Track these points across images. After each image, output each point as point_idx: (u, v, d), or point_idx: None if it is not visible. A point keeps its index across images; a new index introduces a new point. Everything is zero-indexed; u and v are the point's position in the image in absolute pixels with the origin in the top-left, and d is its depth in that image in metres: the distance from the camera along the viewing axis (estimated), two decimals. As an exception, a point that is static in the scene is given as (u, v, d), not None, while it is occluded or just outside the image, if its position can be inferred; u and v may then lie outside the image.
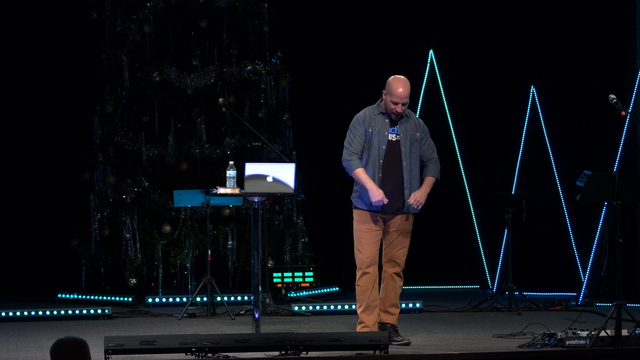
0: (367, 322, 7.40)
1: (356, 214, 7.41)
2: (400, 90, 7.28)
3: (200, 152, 11.34)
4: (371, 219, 7.35)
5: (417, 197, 7.35)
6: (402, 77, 7.35)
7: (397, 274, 7.46)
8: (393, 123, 7.39)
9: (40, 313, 9.46)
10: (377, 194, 7.20)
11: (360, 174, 7.29)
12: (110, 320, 9.46)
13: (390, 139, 7.36)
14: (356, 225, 7.40)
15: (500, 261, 12.52)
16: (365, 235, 7.36)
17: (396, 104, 7.30)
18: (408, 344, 7.35)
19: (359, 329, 7.44)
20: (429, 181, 7.50)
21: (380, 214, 7.34)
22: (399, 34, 12.68)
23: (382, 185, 7.29)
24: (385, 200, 7.21)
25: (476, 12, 12.57)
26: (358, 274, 7.40)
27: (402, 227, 7.42)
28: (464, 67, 12.75)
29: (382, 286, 7.47)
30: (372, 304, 7.40)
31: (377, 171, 7.31)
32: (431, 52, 13.08)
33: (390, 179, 7.33)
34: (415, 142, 7.43)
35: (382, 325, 7.46)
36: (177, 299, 10.68)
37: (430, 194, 12.94)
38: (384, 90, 7.38)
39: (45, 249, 11.91)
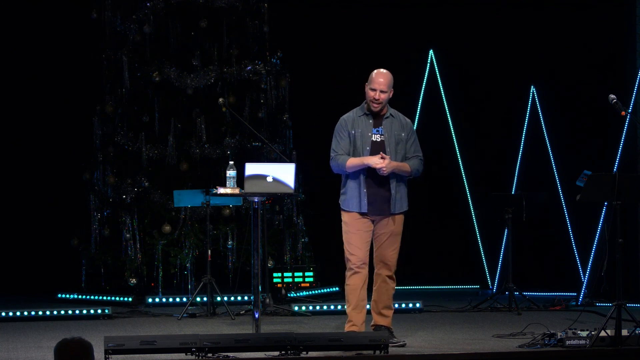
0: (355, 320, 7.41)
1: (344, 215, 7.44)
2: (380, 79, 7.39)
3: (200, 152, 11.34)
4: (360, 220, 7.36)
5: (388, 162, 7.26)
6: (385, 70, 7.46)
7: (390, 277, 7.45)
8: (377, 123, 7.42)
9: (40, 313, 9.46)
10: (373, 158, 7.23)
11: (352, 160, 7.31)
12: (110, 320, 9.47)
13: (374, 139, 7.39)
14: (345, 227, 7.43)
15: (500, 261, 12.52)
16: (354, 237, 7.37)
17: (374, 90, 7.36)
18: (403, 345, 7.33)
19: (347, 327, 7.45)
20: (404, 164, 7.40)
21: (368, 215, 7.35)
22: (399, 34, 12.69)
23: (367, 187, 7.32)
24: (385, 157, 7.21)
25: (476, 12, 12.57)
26: (348, 273, 7.41)
27: (391, 229, 7.41)
28: (464, 67, 12.76)
29: (374, 288, 7.47)
30: (361, 303, 7.43)
31: (362, 173, 7.33)
32: (431, 52, 13.08)
33: (376, 180, 7.33)
34: (401, 142, 7.43)
35: (377, 328, 7.45)
36: (177, 299, 10.69)
37: (430, 192, 13.02)
38: (366, 84, 7.46)
39: (45, 249, 11.91)
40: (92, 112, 11.65)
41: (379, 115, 7.44)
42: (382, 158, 7.24)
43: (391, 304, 7.52)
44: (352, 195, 7.35)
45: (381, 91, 7.36)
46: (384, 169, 7.24)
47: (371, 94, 7.38)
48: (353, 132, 7.40)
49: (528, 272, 11.82)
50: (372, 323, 7.51)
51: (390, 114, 7.48)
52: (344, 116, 7.50)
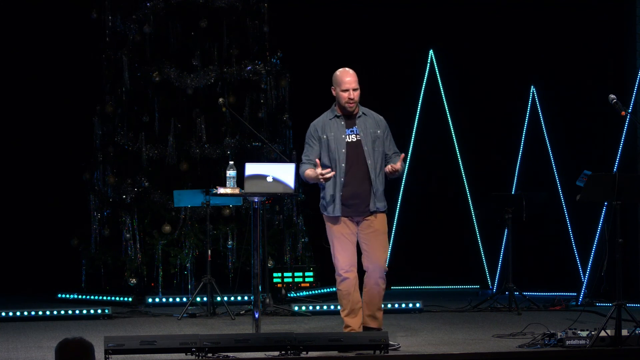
0: (353, 325, 7.31)
1: (327, 220, 7.35)
2: (347, 77, 7.28)
3: (200, 152, 11.34)
4: (342, 224, 7.27)
5: (395, 166, 7.21)
6: (347, 68, 7.36)
7: (381, 278, 7.34)
8: (350, 124, 7.33)
9: (40, 313, 9.46)
10: (316, 173, 7.09)
11: (307, 172, 7.25)
12: (110, 320, 9.47)
13: (349, 140, 7.29)
14: (329, 231, 7.33)
15: (500, 261, 12.52)
16: (339, 241, 7.27)
17: (346, 90, 7.26)
18: (398, 349, 7.27)
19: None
20: (400, 159, 7.31)
21: (350, 217, 7.27)
22: (399, 34, 12.69)
23: (346, 188, 7.21)
24: (321, 170, 7.09)
25: (476, 12, 12.57)
26: (338, 279, 7.33)
27: (375, 227, 7.30)
28: (464, 67, 12.76)
29: (365, 290, 7.34)
30: (356, 307, 7.32)
31: (340, 175, 7.24)
32: (431, 52, 13.08)
33: (356, 180, 7.24)
34: (377, 139, 7.33)
35: (367, 330, 7.33)
36: (177, 299, 10.69)
37: (430, 192, 13.01)
38: (332, 88, 7.36)
39: (45, 249, 11.91)
40: (92, 112, 11.65)
41: (352, 115, 7.35)
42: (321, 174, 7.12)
43: (381, 305, 7.43)
44: (330, 200, 7.27)
45: (353, 89, 7.28)
46: (398, 170, 7.19)
47: (345, 95, 7.26)
48: (325, 136, 7.30)
49: (528, 272, 11.82)
50: (361, 323, 7.37)
51: (363, 113, 7.39)
52: (314, 122, 7.42)
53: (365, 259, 7.35)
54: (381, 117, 7.47)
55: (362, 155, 7.27)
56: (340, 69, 7.36)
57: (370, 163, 7.28)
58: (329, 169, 7.18)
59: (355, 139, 7.30)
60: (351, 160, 7.26)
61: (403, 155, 7.37)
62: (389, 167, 7.24)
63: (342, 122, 7.34)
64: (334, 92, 7.37)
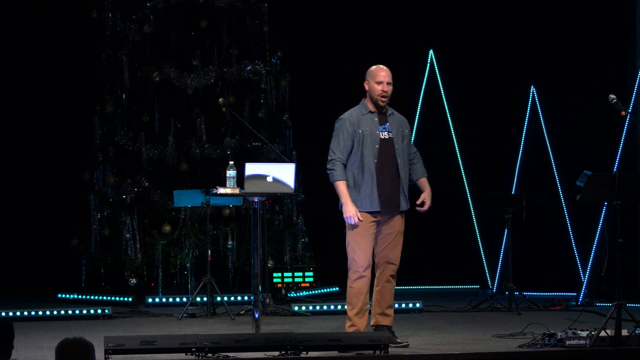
0: (359, 325, 7.25)
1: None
2: (382, 72, 7.34)
3: (200, 152, 11.34)
4: (368, 222, 7.21)
5: (428, 202, 7.45)
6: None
7: (393, 276, 7.36)
8: (382, 120, 7.32)
9: (40, 313, 9.46)
10: (352, 211, 7.11)
11: (341, 186, 7.18)
12: (110, 320, 9.47)
13: (382, 137, 7.27)
14: (352, 229, 7.23)
15: (500, 261, 12.52)
16: (362, 240, 7.20)
17: (380, 83, 7.28)
18: (406, 346, 7.29)
19: (348, 330, 7.28)
20: (426, 182, 7.52)
21: (378, 215, 7.23)
22: (399, 34, 12.69)
23: (379, 186, 7.17)
24: (357, 221, 7.12)
25: (476, 12, 12.58)
26: (353, 276, 7.24)
27: (397, 228, 7.32)
28: (464, 67, 12.76)
29: (377, 289, 7.33)
30: (365, 307, 7.28)
31: (373, 172, 7.19)
32: (431, 52, 13.09)
33: (386, 178, 7.22)
34: (405, 138, 7.36)
35: (379, 328, 7.35)
36: (177, 299, 10.69)
37: (430, 192, 13.02)
38: (365, 82, 7.37)
39: (45, 249, 11.92)
40: (92, 112, 11.66)
41: (382, 112, 7.34)
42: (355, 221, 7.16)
43: (393, 302, 7.45)
44: (364, 195, 7.18)
45: (387, 83, 7.30)
46: (427, 207, 7.45)
47: (378, 87, 7.27)
48: (360, 131, 7.23)
49: (528, 272, 11.82)
50: (372, 323, 7.40)
51: (392, 111, 7.42)
52: (346, 115, 7.31)
53: (380, 257, 7.32)
54: (404, 118, 7.52)
55: (393, 152, 7.27)
56: (376, 65, 7.40)
57: (400, 161, 7.27)
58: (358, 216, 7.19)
59: (387, 136, 7.29)
60: (383, 157, 7.24)
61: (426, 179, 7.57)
62: (422, 208, 7.47)
63: (375, 119, 7.31)
64: (366, 86, 7.36)
